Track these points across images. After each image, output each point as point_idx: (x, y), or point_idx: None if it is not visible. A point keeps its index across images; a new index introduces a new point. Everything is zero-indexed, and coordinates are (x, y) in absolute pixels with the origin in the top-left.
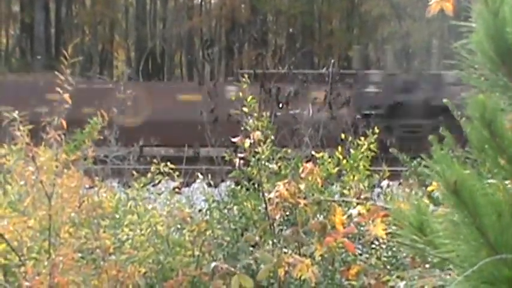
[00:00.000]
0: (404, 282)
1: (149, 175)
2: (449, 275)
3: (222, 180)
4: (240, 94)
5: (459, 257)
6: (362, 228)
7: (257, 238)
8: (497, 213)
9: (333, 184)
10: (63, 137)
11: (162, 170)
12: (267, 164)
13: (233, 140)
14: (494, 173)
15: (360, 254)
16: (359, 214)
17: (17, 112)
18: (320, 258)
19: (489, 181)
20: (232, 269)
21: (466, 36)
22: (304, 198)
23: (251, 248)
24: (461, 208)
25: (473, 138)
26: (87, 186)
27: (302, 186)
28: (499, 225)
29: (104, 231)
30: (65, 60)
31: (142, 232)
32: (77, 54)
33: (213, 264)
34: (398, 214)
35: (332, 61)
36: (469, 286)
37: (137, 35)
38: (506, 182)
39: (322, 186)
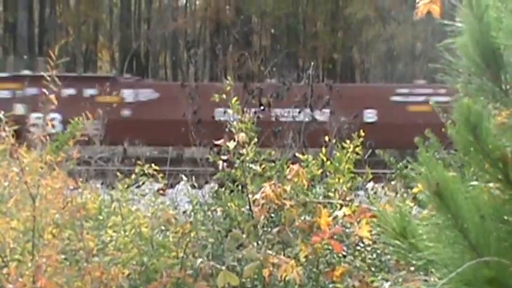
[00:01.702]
0: (389, 283)
1: (133, 176)
2: (433, 278)
3: (206, 182)
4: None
5: (442, 260)
6: (347, 230)
7: (243, 236)
8: (479, 215)
9: (315, 186)
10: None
11: (146, 172)
12: (251, 165)
13: (217, 142)
14: (479, 176)
15: (345, 256)
16: (344, 216)
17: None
18: (304, 259)
19: (473, 184)
20: (218, 266)
21: (451, 38)
22: (290, 199)
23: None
24: (443, 211)
25: (458, 142)
26: (71, 187)
27: (288, 188)
28: (481, 228)
29: (88, 233)
30: (50, 60)
31: (126, 234)
32: (61, 55)
33: (199, 260)
34: (381, 218)
35: (312, 64)
36: None
37: (121, 35)
38: (490, 185)
39: (307, 188)
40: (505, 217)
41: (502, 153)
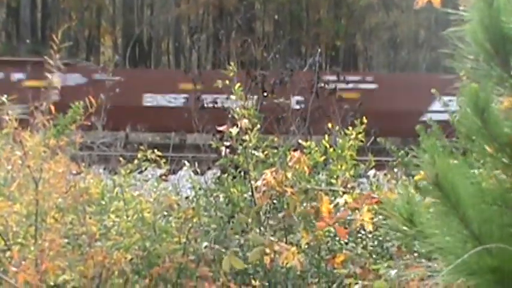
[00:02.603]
0: (395, 270)
1: (136, 162)
2: (437, 264)
3: (209, 168)
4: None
5: (445, 248)
6: (349, 217)
7: (248, 220)
8: (482, 203)
9: (319, 173)
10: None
11: (148, 157)
12: (253, 152)
13: (219, 128)
14: (484, 161)
15: (347, 243)
16: (346, 203)
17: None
18: (306, 246)
19: (476, 171)
20: (222, 250)
21: (454, 26)
22: (292, 186)
23: (237, 236)
24: (444, 201)
25: (464, 127)
26: (73, 172)
27: (289, 175)
28: (483, 216)
29: (90, 218)
30: (53, 46)
31: (129, 219)
32: (64, 40)
33: (204, 244)
34: (388, 204)
35: (319, 50)
36: (454, 277)
37: (124, 21)
38: (496, 171)
39: (309, 174)
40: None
41: (510, 138)
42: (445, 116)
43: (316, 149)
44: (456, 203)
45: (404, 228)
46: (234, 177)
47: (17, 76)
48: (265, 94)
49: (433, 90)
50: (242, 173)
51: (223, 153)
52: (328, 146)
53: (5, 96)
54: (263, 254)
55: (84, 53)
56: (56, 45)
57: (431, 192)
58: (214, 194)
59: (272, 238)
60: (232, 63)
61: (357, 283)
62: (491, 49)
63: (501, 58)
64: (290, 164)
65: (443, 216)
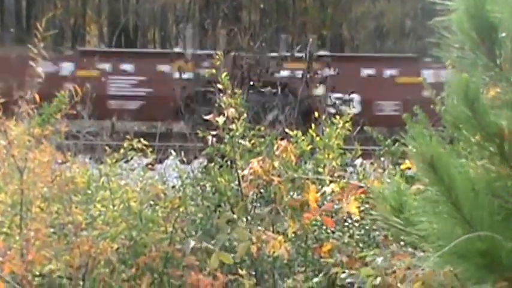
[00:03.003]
0: (381, 258)
1: (122, 151)
2: (423, 253)
3: (195, 157)
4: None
5: (435, 233)
6: (335, 206)
7: (234, 216)
8: (473, 190)
9: (306, 162)
10: (35, 111)
11: (135, 146)
12: (240, 141)
13: (206, 117)
14: (473, 150)
15: (333, 232)
16: (332, 192)
17: None
18: (293, 235)
19: (465, 160)
20: (211, 247)
21: (440, 15)
22: (278, 175)
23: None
24: (437, 184)
25: (453, 116)
26: (59, 161)
27: (276, 164)
28: (474, 202)
29: (76, 207)
30: (37, 34)
31: (115, 208)
32: (49, 28)
33: (192, 243)
34: (377, 195)
35: (310, 40)
36: (444, 262)
37: (110, 10)
38: (484, 160)
39: (296, 164)
40: (498, 191)
41: (499, 128)
42: None
43: (303, 138)
44: (450, 187)
45: (393, 217)
46: (221, 166)
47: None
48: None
49: None
50: (229, 162)
51: (209, 143)
52: (315, 135)
53: None
54: (249, 246)
55: (70, 42)
56: (40, 33)
57: (425, 175)
58: (201, 183)
59: (259, 227)
60: (219, 53)
61: (344, 272)
62: (477, 38)
63: (487, 47)
64: (277, 153)
65: (436, 200)
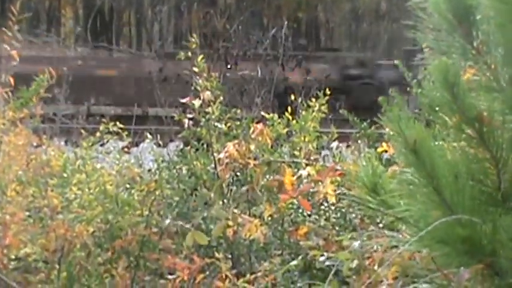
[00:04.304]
0: (358, 242)
1: (98, 134)
2: (401, 235)
3: (171, 140)
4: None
5: (413, 216)
6: (312, 189)
7: (211, 195)
8: (454, 173)
9: (282, 145)
10: (10, 94)
11: (111, 129)
12: (216, 124)
13: (182, 100)
14: (449, 134)
15: (310, 215)
16: (308, 175)
17: None
18: (269, 218)
19: (442, 143)
20: (186, 226)
21: None
22: (255, 158)
23: (200, 209)
24: (419, 168)
25: (427, 99)
26: (34, 144)
27: (252, 147)
28: (455, 186)
29: (52, 190)
30: (12, 17)
31: (91, 191)
32: (23, 11)
33: (167, 221)
34: (352, 175)
35: (286, 23)
36: (423, 246)
37: None
38: (463, 143)
39: (271, 147)
40: (477, 175)
41: (478, 111)
42: None
43: (279, 121)
44: (431, 170)
45: (369, 198)
46: (197, 149)
47: None
48: (228, 66)
49: None
50: (205, 146)
51: (186, 126)
52: (290, 118)
53: None
54: (226, 227)
55: (45, 25)
56: (15, 16)
57: (406, 158)
58: (177, 167)
59: (235, 210)
60: (194, 35)
61: (322, 255)
62: (454, 20)
63: (464, 29)
64: (253, 136)
65: (415, 184)
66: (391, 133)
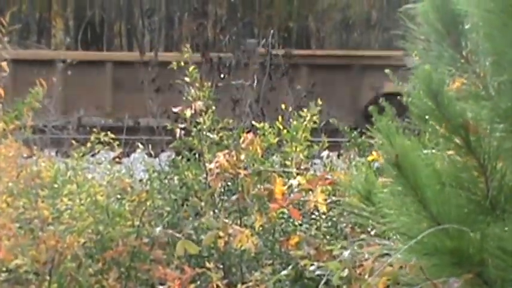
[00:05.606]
0: (348, 251)
1: (89, 145)
2: (393, 243)
3: (163, 150)
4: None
5: (402, 228)
6: (302, 198)
7: (202, 204)
8: (439, 184)
9: (273, 155)
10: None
11: (101, 140)
12: (208, 134)
13: (174, 110)
14: (438, 143)
15: (300, 225)
16: (299, 184)
17: None
18: (260, 228)
19: (432, 152)
20: (177, 235)
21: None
22: (245, 168)
23: (191, 219)
24: (402, 181)
25: (418, 109)
26: (25, 155)
27: (242, 157)
28: (441, 197)
29: (43, 201)
30: (2, 28)
31: (82, 202)
32: (14, 22)
33: (157, 229)
34: (344, 184)
35: (272, 31)
36: (412, 257)
37: (76, 3)
38: (450, 152)
39: (262, 156)
40: (465, 184)
41: (464, 120)
42: None
43: (270, 130)
44: (415, 184)
45: (362, 206)
46: (188, 159)
47: None
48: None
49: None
50: (196, 156)
51: (177, 136)
52: (281, 127)
53: None
54: (217, 237)
55: (35, 36)
56: (4, 28)
57: (390, 172)
58: (168, 177)
59: (226, 221)
60: (187, 46)
61: (312, 264)
62: (443, 29)
63: (453, 39)
64: (243, 146)
65: (402, 196)
66: (378, 143)
